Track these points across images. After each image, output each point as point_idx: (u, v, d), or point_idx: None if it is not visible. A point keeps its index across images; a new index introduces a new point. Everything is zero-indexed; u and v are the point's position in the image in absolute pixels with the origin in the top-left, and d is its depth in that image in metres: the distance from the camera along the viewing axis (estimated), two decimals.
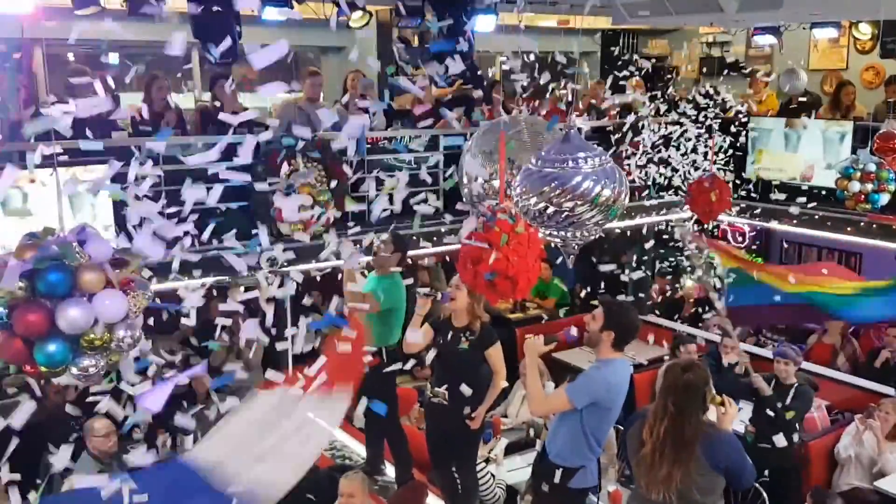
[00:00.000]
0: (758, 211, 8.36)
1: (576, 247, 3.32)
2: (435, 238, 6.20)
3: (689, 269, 8.87)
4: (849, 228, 7.45)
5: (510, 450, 6.23)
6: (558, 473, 4.14)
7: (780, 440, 5.03)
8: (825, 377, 6.84)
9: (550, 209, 3.05)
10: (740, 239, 10.18)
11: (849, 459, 5.81)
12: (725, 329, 6.67)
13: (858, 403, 6.26)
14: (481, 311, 5.00)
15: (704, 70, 10.71)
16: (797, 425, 5.70)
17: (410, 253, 5.76)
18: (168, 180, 5.90)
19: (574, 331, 4.18)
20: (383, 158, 7.05)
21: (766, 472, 5.35)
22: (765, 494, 5.30)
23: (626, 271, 7.98)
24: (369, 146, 7.13)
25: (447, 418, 5.03)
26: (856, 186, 6.90)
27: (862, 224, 7.35)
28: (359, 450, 6.24)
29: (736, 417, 3.95)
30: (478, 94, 7.01)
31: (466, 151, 4.13)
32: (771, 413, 5.48)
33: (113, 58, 7.95)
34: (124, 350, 2.85)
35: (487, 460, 5.86)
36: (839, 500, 4.99)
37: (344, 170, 6.49)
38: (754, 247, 9.98)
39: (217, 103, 6.82)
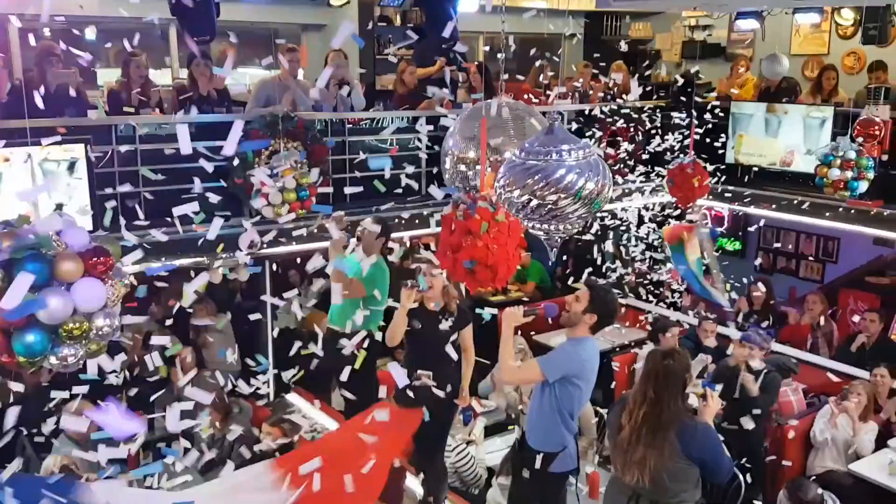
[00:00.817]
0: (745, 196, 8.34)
1: (559, 240, 3.32)
2: (417, 221, 6.19)
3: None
4: (827, 214, 7.50)
5: (489, 432, 6.26)
6: (539, 459, 4.17)
7: (747, 422, 5.04)
8: (802, 361, 6.91)
9: (534, 202, 3.03)
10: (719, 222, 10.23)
11: (825, 442, 5.86)
12: (703, 312, 6.71)
13: (834, 387, 6.32)
14: (453, 288, 5.03)
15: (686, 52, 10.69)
16: (766, 409, 5.73)
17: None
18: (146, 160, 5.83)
19: (555, 307, 4.18)
20: (365, 139, 6.99)
21: (742, 457, 5.40)
22: (741, 477, 5.35)
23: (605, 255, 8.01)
24: (350, 127, 7.07)
25: (433, 401, 5.04)
26: (835, 174, 6.92)
27: (840, 209, 7.39)
28: None
29: (717, 410, 4.00)
30: (452, 77, 6.92)
31: (449, 136, 4.11)
32: (736, 395, 5.54)
33: (90, 33, 7.77)
34: (103, 339, 2.83)
35: (468, 442, 5.89)
36: (814, 487, 5.02)
37: (325, 150, 6.44)
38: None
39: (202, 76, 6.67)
